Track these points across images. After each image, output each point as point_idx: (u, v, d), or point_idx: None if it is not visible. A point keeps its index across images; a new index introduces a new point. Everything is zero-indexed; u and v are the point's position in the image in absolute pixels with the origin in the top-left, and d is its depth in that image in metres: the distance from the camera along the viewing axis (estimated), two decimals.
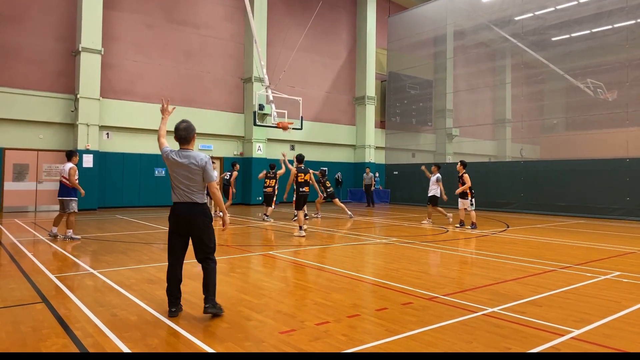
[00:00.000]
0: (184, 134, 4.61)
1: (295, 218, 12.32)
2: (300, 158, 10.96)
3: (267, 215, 14.26)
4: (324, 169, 18.45)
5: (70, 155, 9.96)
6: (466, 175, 12.47)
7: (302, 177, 10.81)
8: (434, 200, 13.83)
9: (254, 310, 4.69)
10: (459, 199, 12.62)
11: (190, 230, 4.51)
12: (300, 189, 10.81)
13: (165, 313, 4.50)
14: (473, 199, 12.50)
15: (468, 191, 12.41)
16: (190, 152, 4.57)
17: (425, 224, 13.52)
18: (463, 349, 3.66)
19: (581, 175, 17.22)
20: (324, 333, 4.00)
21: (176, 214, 4.52)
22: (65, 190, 9.75)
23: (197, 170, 4.48)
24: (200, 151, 21.59)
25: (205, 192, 4.65)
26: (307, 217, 14.04)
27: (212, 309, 4.37)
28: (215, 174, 13.96)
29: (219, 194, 4.75)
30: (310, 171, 11.41)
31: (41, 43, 16.90)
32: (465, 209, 12.58)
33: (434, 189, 13.87)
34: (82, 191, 10.00)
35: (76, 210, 9.82)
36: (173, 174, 4.53)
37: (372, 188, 22.14)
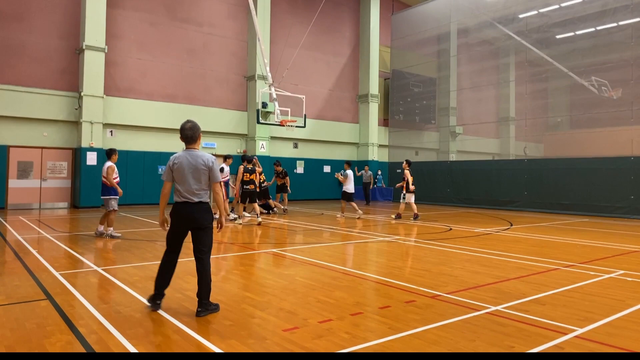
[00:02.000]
0: (190, 134, 4.66)
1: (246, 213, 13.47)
2: (248, 158, 12.74)
3: (248, 213, 13.69)
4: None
5: (109, 153, 9.83)
6: (407, 172, 14.22)
7: (248, 177, 12.29)
8: (348, 196, 14.96)
9: (257, 308, 4.70)
10: (407, 193, 14.12)
11: (193, 228, 4.59)
12: (245, 187, 12.44)
13: (168, 310, 4.52)
14: (413, 194, 14.29)
15: (409, 186, 14.08)
16: (197, 152, 4.65)
17: (339, 218, 14.64)
18: (466, 348, 3.65)
19: (585, 174, 17.15)
20: (327, 331, 4.00)
21: (180, 212, 4.58)
22: (105, 189, 9.71)
23: (204, 170, 4.58)
24: (204, 149, 21.68)
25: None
26: (273, 212, 15.28)
27: (204, 312, 4.43)
28: (227, 169, 13.82)
29: (222, 194, 4.82)
30: (258, 170, 12.87)
31: (45, 41, 16.94)
32: (407, 202, 14.25)
33: (348, 185, 14.99)
34: (119, 190, 9.72)
35: (116, 209, 9.71)
36: (178, 175, 4.59)
37: (372, 187, 21.96)
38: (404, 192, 14.31)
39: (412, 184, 14.20)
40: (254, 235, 10.69)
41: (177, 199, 4.61)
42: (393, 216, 14.64)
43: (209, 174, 4.60)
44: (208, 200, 4.67)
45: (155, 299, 4.59)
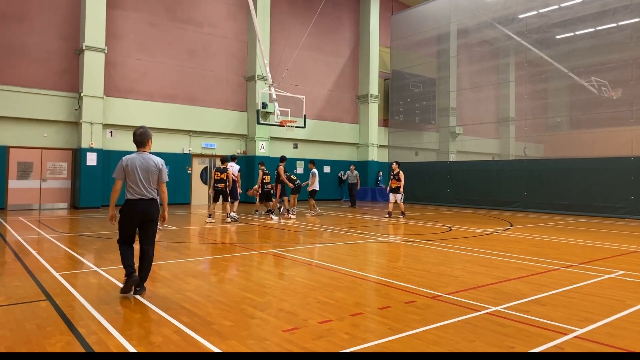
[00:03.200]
0: (140, 139, 5.27)
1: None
2: (223, 158, 13.57)
3: (227, 214, 13.42)
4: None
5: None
6: (402, 173, 15.14)
7: (218, 175, 13.15)
8: (313, 194, 16.01)
9: (257, 309, 4.70)
10: (394, 193, 15.06)
11: (145, 221, 5.19)
12: (215, 185, 13.21)
13: (168, 310, 4.52)
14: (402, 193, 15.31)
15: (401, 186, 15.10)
16: (148, 155, 5.26)
17: (309, 215, 15.41)
18: (466, 348, 3.65)
19: (585, 174, 17.15)
20: (327, 331, 4.00)
21: (136, 208, 5.12)
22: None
23: (155, 171, 5.20)
24: (204, 149, 21.71)
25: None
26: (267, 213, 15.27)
27: (143, 291, 5.16)
28: (237, 167, 14.23)
29: (167, 192, 5.44)
30: (229, 171, 13.39)
31: (45, 42, 16.94)
32: (395, 201, 15.15)
33: (314, 183, 15.87)
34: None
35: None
36: (130, 176, 5.12)
37: (359, 187, 20.57)
38: (402, 191, 15.14)
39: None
40: (254, 236, 10.69)
41: (130, 197, 5.11)
42: (400, 216, 15.15)
43: (158, 175, 5.22)
44: (157, 197, 5.29)
45: (131, 276, 5.05)
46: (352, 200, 20.02)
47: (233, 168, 13.88)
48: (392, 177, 15.29)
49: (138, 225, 5.20)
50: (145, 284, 5.28)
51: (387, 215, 15.06)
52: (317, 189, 15.97)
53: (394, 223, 13.61)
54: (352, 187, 20.20)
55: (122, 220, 5.20)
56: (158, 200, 5.30)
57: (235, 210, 13.71)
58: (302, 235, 10.79)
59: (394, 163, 15.59)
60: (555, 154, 21.59)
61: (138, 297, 5.05)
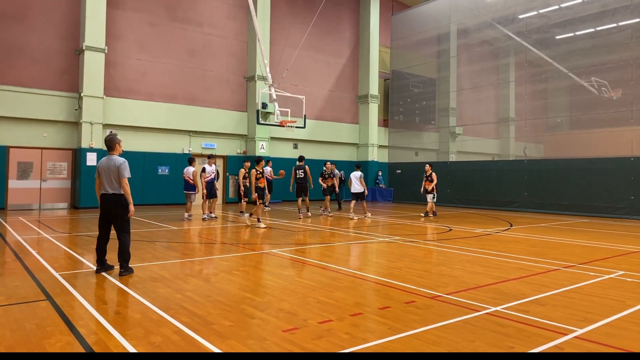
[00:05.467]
0: (109, 144, 6.33)
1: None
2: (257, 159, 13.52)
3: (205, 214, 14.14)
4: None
5: (190, 161, 13.94)
6: (434, 174, 15.69)
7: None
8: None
9: (257, 309, 4.70)
10: (428, 194, 15.51)
11: (110, 214, 6.23)
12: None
13: (168, 310, 4.53)
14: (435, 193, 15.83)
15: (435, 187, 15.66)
16: (113, 157, 6.25)
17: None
18: (466, 348, 3.65)
19: (585, 174, 17.15)
20: (326, 331, 4.00)
21: (102, 202, 6.25)
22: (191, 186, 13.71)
23: (114, 170, 6.14)
24: (204, 149, 21.76)
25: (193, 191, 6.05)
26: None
27: (126, 272, 6.10)
28: (210, 169, 14.46)
29: (127, 188, 6.18)
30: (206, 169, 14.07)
31: (45, 41, 16.95)
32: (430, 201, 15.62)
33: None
34: (199, 189, 13.72)
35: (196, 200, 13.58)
36: (101, 174, 6.20)
37: (338, 187, 18.55)
38: (435, 192, 15.72)
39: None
40: (254, 236, 10.70)
41: (102, 192, 6.22)
42: (423, 214, 15.64)
43: (118, 172, 6.11)
44: (122, 192, 6.16)
45: (101, 264, 6.28)
46: (338, 202, 19.10)
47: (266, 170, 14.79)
48: (424, 178, 15.66)
49: (106, 217, 6.26)
50: (145, 284, 5.29)
51: (431, 215, 15.45)
52: (362, 191, 15.22)
53: (395, 223, 13.60)
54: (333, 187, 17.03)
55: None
56: (122, 196, 6.19)
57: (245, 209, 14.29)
58: (303, 235, 10.78)
59: (427, 165, 16.04)
60: (555, 154, 21.58)
61: (139, 297, 5.05)
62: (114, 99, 18.06)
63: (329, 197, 15.93)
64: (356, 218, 14.57)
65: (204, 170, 14.19)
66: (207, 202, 14.04)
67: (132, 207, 6.25)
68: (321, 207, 16.57)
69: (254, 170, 12.48)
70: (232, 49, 21.34)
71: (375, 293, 5.59)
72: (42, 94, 16.77)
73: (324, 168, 16.70)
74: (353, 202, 15.17)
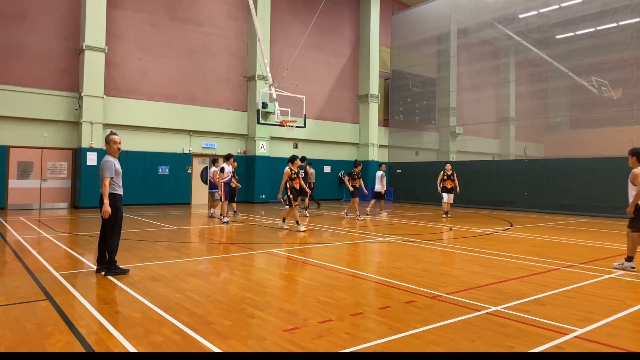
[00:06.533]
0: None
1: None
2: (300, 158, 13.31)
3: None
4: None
5: (213, 161, 14.62)
6: (455, 173, 15.62)
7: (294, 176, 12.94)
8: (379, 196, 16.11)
9: (257, 308, 4.70)
10: (448, 193, 15.38)
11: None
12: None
13: (168, 310, 4.53)
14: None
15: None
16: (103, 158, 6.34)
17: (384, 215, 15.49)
18: (466, 348, 3.65)
19: (585, 174, 17.14)
20: (327, 331, 4.00)
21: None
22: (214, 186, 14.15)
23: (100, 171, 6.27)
24: (204, 149, 21.72)
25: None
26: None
27: (110, 273, 6.04)
28: (229, 169, 14.24)
29: (105, 187, 6.06)
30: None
31: (45, 41, 16.94)
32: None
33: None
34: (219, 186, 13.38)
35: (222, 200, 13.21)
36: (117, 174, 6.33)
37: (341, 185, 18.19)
38: (458, 191, 15.78)
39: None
40: (254, 236, 10.69)
41: (117, 192, 6.29)
42: (444, 215, 15.53)
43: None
44: (121, 192, 6.28)
45: (101, 264, 6.20)
46: (315, 200, 18.52)
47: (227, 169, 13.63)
48: (446, 177, 15.48)
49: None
50: (145, 284, 5.29)
51: (444, 215, 15.39)
52: (382, 191, 15.75)
53: (395, 223, 13.60)
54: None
55: None
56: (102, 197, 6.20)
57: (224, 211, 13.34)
58: (303, 235, 10.78)
59: (448, 164, 15.96)
60: (555, 153, 21.58)
61: (139, 297, 5.05)
62: (114, 98, 18.06)
63: (357, 198, 14.68)
64: (362, 218, 14.54)
65: (222, 170, 13.37)
66: (227, 203, 13.30)
67: (105, 208, 6.05)
68: (345, 210, 15.16)
69: (287, 170, 11.34)
70: (232, 49, 21.33)
71: (376, 293, 5.59)
72: (42, 94, 16.77)
73: (353, 169, 15.06)
74: (373, 200, 15.95)
